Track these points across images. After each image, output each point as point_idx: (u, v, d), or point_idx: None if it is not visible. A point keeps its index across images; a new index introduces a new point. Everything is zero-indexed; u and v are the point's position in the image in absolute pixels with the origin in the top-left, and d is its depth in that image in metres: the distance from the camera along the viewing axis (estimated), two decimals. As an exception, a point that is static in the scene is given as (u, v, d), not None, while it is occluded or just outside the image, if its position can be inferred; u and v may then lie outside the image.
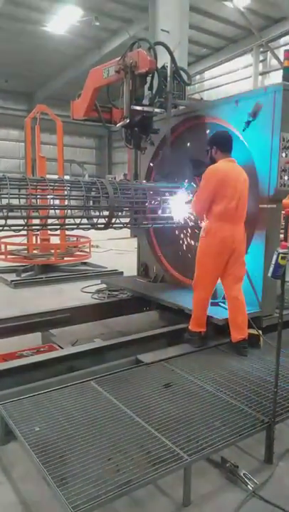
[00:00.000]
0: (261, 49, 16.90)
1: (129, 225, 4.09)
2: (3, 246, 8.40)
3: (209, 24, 16.23)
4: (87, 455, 2.08)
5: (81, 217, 3.59)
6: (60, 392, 2.72)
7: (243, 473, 2.29)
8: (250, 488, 2.20)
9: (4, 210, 3.15)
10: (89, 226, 3.77)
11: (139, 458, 2.08)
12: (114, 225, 3.83)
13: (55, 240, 8.84)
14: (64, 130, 8.66)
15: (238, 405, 2.63)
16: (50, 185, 3.41)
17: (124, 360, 3.26)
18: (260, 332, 3.64)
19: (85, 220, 3.67)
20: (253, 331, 3.59)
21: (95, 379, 2.90)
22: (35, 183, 3.40)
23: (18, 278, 7.47)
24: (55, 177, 3.82)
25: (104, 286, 6.22)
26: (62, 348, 3.64)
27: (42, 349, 3.66)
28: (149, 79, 3.89)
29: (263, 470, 2.40)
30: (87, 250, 9.12)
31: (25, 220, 3.37)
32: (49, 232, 8.24)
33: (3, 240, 8.38)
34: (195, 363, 3.26)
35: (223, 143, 3.44)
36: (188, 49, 10.50)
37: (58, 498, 1.80)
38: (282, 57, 15.56)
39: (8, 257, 8.34)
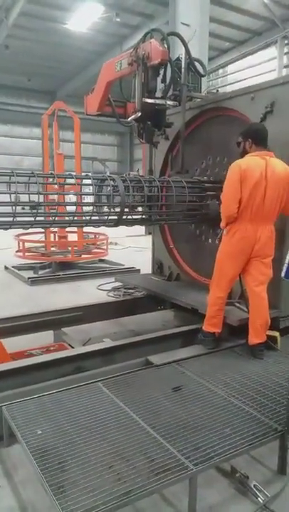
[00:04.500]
0: (286, 41, 16.43)
1: (140, 222, 3.97)
2: (21, 243, 8.46)
3: (232, 17, 15.85)
4: (88, 462, 2.00)
5: (93, 205, 3.48)
6: (66, 394, 2.65)
7: (254, 485, 2.17)
8: (261, 501, 2.08)
9: (26, 207, 3.12)
10: (99, 223, 3.68)
11: (142, 466, 1.98)
12: (125, 222, 3.73)
13: (72, 237, 8.84)
14: (85, 128, 8.66)
15: (251, 411, 2.50)
16: (59, 181, 3.34)
17: (134, 361, 3.16)
18: (278, 334, 3.47)
19: (95, 217, 3.60)
20: (271, 332, 3.43)
21: (102, 380, 2.82)
22: (44, 177, 3.34)
23: (35, 275, 7.49)
24: (67, 173, 3.73)
25: (120, 284, 6.15)
26: (72, 347, 3.58)
27: (52, 348, 3.62)
28: (162, 71, 3.76)
29: (275, 481, 2.28)
30: (105, 247, 9.07)
31: (35, 218, 3.31)
32: (66, 229, 8.24)
33: (21, 238, 8.44)
34: (207, 366, 3.13)
35: (258, 135, 3.25)
36: (210, 43, 10.30)
37: (54, 507, 1.72)
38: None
39: (26, 254, 8.39)
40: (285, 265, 2.02)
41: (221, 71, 19.87)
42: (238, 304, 3.78)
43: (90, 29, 16.43)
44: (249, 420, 2.40)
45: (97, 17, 15.27)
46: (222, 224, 3.35)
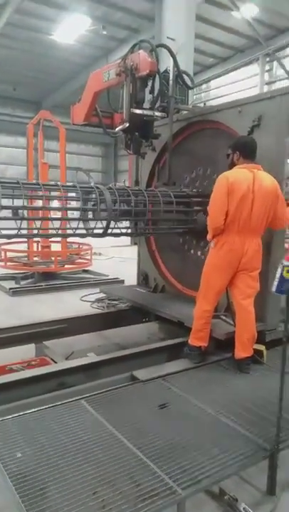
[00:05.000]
0: (267, 59, 16.86)
1: (127, 233, 3.91)
2: (2, 253, 8.28)
3: (216, 34, 16.22)
4: (71, 487, 1.89)
5: (78, 219, 3.41)
6: (48, 413, 2.53)
7: (243, 508, 2.09)
8: (251, 525, 2.00)
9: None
10: (85, 233, 3.60)
11: (129, 491, 1.88)
12: (112, 233, 3.67)
13: (56, 247, 8.70)
14: (71, 138, 8.61)
15: (239, 429, 2.43)
16: (45, 189, 3.26)
17: (119, 377, 3.06)
18: (264, 347, 3.43)
19: (81, 227, 3.52)
20: (257, 346, 3.38)
21: (86, 398, 2.71)
22: (29, 188, 3.25)
23: (17, 286, 7.32)
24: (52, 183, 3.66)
25: (104, 295, 6.05)
26: (55, 361, 3.46)
27: (33, 362, 3.48)
28: (150, 82, 3.75)
29: (265, 503, 2.21)
30: (89, 258, 8.97)
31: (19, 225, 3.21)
32: (50, 238, 8.11)
33: (3, 247, 8.26)
34: (194, 381, 3.06)
35: (247, 149, 3.24)
36: (195, 58, 10.46)
37: (34, 538, 1.61)
38: (288, 67, 15.56)
39: (8, 264, 8.21)
40: (276, 280, 1.98)
41: (204, 86, 20.21)
42: (224, 317, 3.73)
43: (76, 41, 16.53)
44: (238, 439, 2.33)
45: (84, 29, 15.37)
46: (209, 236, 3.32)
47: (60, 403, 2.63)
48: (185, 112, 4.39)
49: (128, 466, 2.06)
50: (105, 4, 14.00)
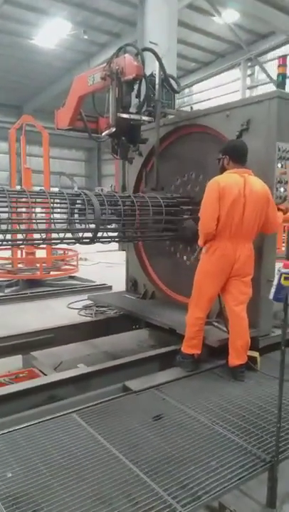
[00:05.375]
0: (249, 63, 17.08)
1: (116, 239, 3.84)
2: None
3: (198, 39, 16.33)
4: (66, 508, 1.80)
5: (65, 231, 3.35)
6: (39, 428, 2.42)
7: (244, 522, 2.03)
8: None
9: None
10: (74, 241, 3.51)
11: (125, 511, 1.79)
12: (100, 239, 3.59)
13: (40, 254, 8.56)
14: (53, 143, 8.51)
15: (236, 440, 2.37)
16: (32, 198, 3.16)
17: (111, 388, 2.98)
18: (258, 354, 3.39)
19: (69, 235, 3.43)
20: (251, 353, 3.34)
21: (77, 411, 2.61)
22: (15, 196, 3.15)
23: (1, 294, 7.15)
24: (38, 189, 3.56)
25: (91, 301, 5.95)
26: (43, 372, 3.35)
27: (21, 375, 3.37)
28: (136, 86, 3.70)
29: (266, 516, 2.15)
30: (75, 264, 8.85)
31: (4, 235, 3.10)
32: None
33: (-14, 255, 8.08)
34: (188, 390, 3.00)
35: (236, 153, 3.19)
36: (177, 63, 10.48)
37: None
38: (270, 71, 15.77)
39: (-8, 271, 8.04)
40: (274, 287, 1.93)
41: (187, 90, 20.33)
42: (216, 324, 3.69)
43: (58, 45, 16.40)
44: (236, 451, 2.27)
45: (65, 34, 15.28)
46: (200, 242, 3.27)
47: (50, 417, 2.54)
48: (171, 116, 4.35)
49: (124, 483, 1.97)
50: (86, 9, 13.95)
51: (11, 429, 2.40)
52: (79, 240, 3.46)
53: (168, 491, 1.93)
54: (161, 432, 2.45)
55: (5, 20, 14.32)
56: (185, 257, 4.44)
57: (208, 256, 3.20)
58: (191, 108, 5.85)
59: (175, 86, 4.13)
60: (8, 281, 7.88)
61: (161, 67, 3.86)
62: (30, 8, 13.76)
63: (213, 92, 18.97)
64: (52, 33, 15.22)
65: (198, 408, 2.73)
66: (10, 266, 8.42)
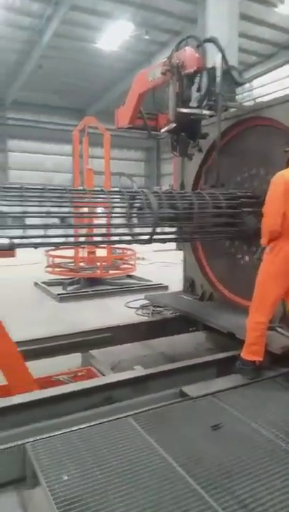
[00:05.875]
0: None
1: (173, 238, 3.74)
2: (50, 259, 8.40)
3: (258, 31, 15.71)
4: (119, 517, 1.74)
5: (125, 226, 3.31)
6: (95, 431, 2.40)
7: None
8: None
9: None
10: (132, 239, 3.48)
11: (181, 527, 1.70)
12: (158, 239, 3.52)
13: (101, 253, 8.72)
14: (113, 144, 8.59)
15: (303, 458, 2.17)
16: (91, 197, 3.18)
17: (167, 392, 2.89)
18: None
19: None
20: None
21: (133, 415, 2.56)
22: (76, 193, 3.19)
23: (64, 292, 7.37)
24: (97, 189, 3.58)
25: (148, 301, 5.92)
26: (100, 371, 3.35)
27: (80, 373, 3.40)
28: (196, 80, 3.57)
29: None
30: (133, 263, 8.90)
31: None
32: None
33: (50, 253, 8.39)
34: (248, 399, 2.82)
35: None
36: (238, 57, 10.15)
37: None
38: None
39: (55, 269, 8.32)
40: None
41: (247, 85, 19.67)
42: (280, 329, 3.46)
43: (119, 47, 16.65)
44: (303, 470, 2.08)
45: (128, 35, 15.45)
46: (263, 241, 3.07)
47: (107, 420, 2.51)
48: (233, 110, 4.16)
49: (181, 497, 1.88)
50: (147, 9, 13.98)
51: (68, 430, 2.40)
52: (137, 240, 3.41)
53: (227, 509, 1.80)
54: (220, 443, 2.32)
55: (72, 26, 14.78)
56: (245, 257, 4.23)
57: (272, 257, 3.00)
58: (254, 101, 5.59)
59: (238, 78, 3.93)
60: (70, 279, 8.11)
61: (224, 58, 3.69)
62: (94, 13, 14.07)
63: (274, 85, 18.14)
64: (115, 36, 15.47)
65: (259, 419, 2.55)
66: (72, 264, 8.67)
